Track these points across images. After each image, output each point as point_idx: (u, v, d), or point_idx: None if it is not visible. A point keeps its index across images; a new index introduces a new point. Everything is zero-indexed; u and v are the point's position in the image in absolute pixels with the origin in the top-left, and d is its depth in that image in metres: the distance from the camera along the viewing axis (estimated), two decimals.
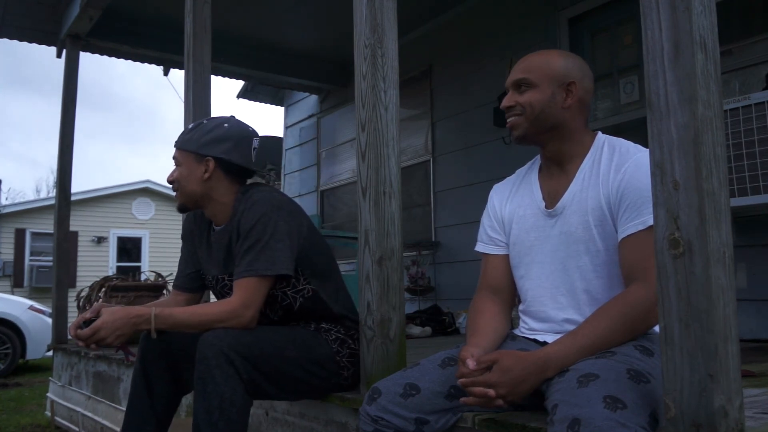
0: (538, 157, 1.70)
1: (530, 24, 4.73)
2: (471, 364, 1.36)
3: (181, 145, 1.99)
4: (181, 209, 2.04)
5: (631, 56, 4.20)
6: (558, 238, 1.55)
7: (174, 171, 1.99)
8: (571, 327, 1.49)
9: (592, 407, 1.12)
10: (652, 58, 1.17)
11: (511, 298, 1.69)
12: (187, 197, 1.98)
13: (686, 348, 1.10)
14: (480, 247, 1.76)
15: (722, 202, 1.12)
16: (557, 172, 1.61)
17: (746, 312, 3.38)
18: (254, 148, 2.03)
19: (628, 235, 1.42)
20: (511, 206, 1.70)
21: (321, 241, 2.04)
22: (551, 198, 1.60)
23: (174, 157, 2.00)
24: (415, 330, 4.28)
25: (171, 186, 2.02)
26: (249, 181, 2.08)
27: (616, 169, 1.48)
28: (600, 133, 1.62)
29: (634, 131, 3.97)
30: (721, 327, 1.08)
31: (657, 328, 1.44)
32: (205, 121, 2.02)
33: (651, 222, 1.30)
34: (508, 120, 1.61)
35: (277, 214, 1.86)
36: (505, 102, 1.61)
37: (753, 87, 3.34)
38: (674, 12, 1.14)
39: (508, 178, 1.79)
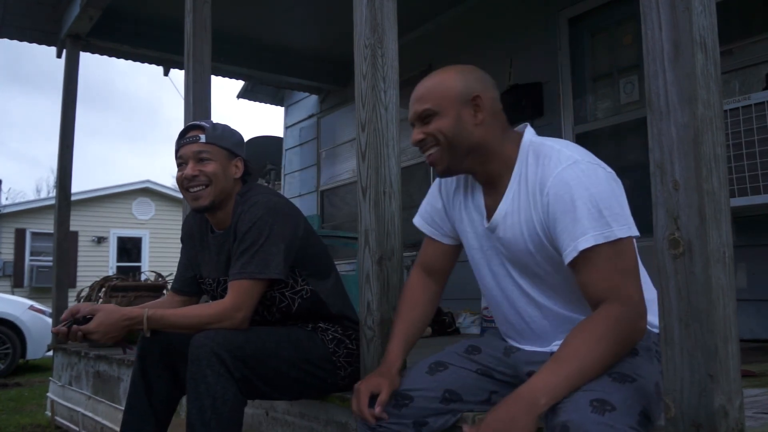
0: None
1: (530, 24, 4.73)
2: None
3: (215, 140, 1.95)
4: (208, 207, 1.94)
5: (631, 56, 4.20)
6: (502, 255, 1.49)
7: (202, 165, 1.92)
8: (528, 343, 1.50)
9: (580, 412, 1.12)
10: (652, 58, 1.17)
11: (445, 279, 1.71)
12: (218, 194, 1.93)
13: (686, 348, 1.10)
14: (419, 224, 1.70)
15: (722, 202, 1.12)
16: (490, 189, 1.51)
17: (746, 312, 3.37)
18: None
19: (574, 259, 1.30)
20: (458, 213, 1.61)
21: (318, 242, 2.04)
22: (490, 213, 1.50)
23: (202, 152, 1.93)
24: None
25: (192, 180, 1.92)
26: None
27: (541, 190, 1.37)
28: (525, 136, 1.48)
29: (634, 131, 3.98)
30: (721, 327, 1.08)
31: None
32: (213, 123, 2.02)
33: (585, 244, 1.26)
34: (425, 155, 1.50)
35: (273, 218, 1.86)
36: (414, 137, 1.49)
37: (753, 87, 3.34)
38: (674, 12, 1.14)
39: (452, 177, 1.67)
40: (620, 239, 1.27)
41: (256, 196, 1.92)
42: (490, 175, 1.49)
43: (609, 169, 1.37)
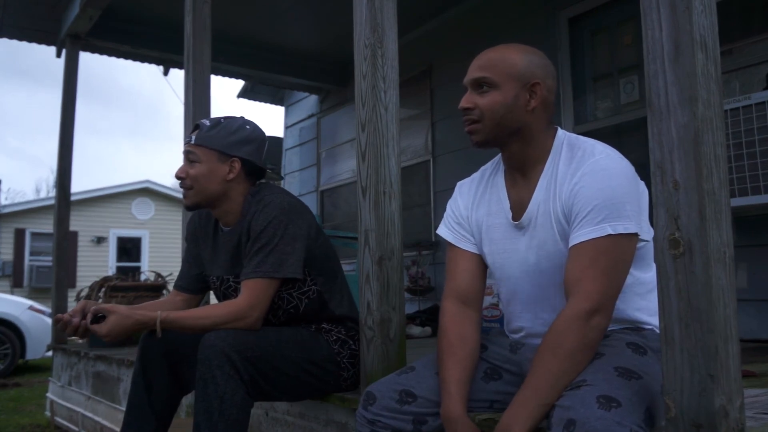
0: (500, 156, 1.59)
1: (530, 24, 4.73)
2: None
3: (204, 142, 1.93)
4: (193, 207, 1.98)
5: (631, 56, 4.19)
6: (531, 252, 1.46)
7: (189, 167, 1.93)
8: None
9: (587, 408, 1.12)
10: (652, 58, 1.17)
11: (481, 306, 1.59)
12: (203, 195, 1.94)
13: (686, 348, 1.10)
14: (446, 234, 1.63)
15: (722, 202, 1.12)
16: (520, 179, 1.50)
17: (746, 312, 3.37)
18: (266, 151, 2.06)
19: (571, 246, 1.34)
20: (479, 214, 1.58)
21: (326, 242, 2.04)
22: (518, 208, 1.49)
23: (190, 153, 1.93)
24: (415, 330, 4.28)
25: (181, 181, 1.94)
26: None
27: (572, 176, 1.39)
28: (559, 130, 1.51)
29: (634, 131, 3.97)
30: (722, 327, 1.08)
31: (651, 326, 1.44)
32: (222, 120, 1.99)
33: (593, 234, 1.29)
34: (465, 123, 1.48)
35: (287, 218, 1.86)
36: (464, 103, 1.47)
37: (753, 87, 3.34)
38: (674, 12, 1.14)
39: (473, 176, 1.67)
40: (610, 235, 1.29)
41: (269, 195, 1.92)
42: (525, 160, 1.48)
43: (632, 168, 1.39)
